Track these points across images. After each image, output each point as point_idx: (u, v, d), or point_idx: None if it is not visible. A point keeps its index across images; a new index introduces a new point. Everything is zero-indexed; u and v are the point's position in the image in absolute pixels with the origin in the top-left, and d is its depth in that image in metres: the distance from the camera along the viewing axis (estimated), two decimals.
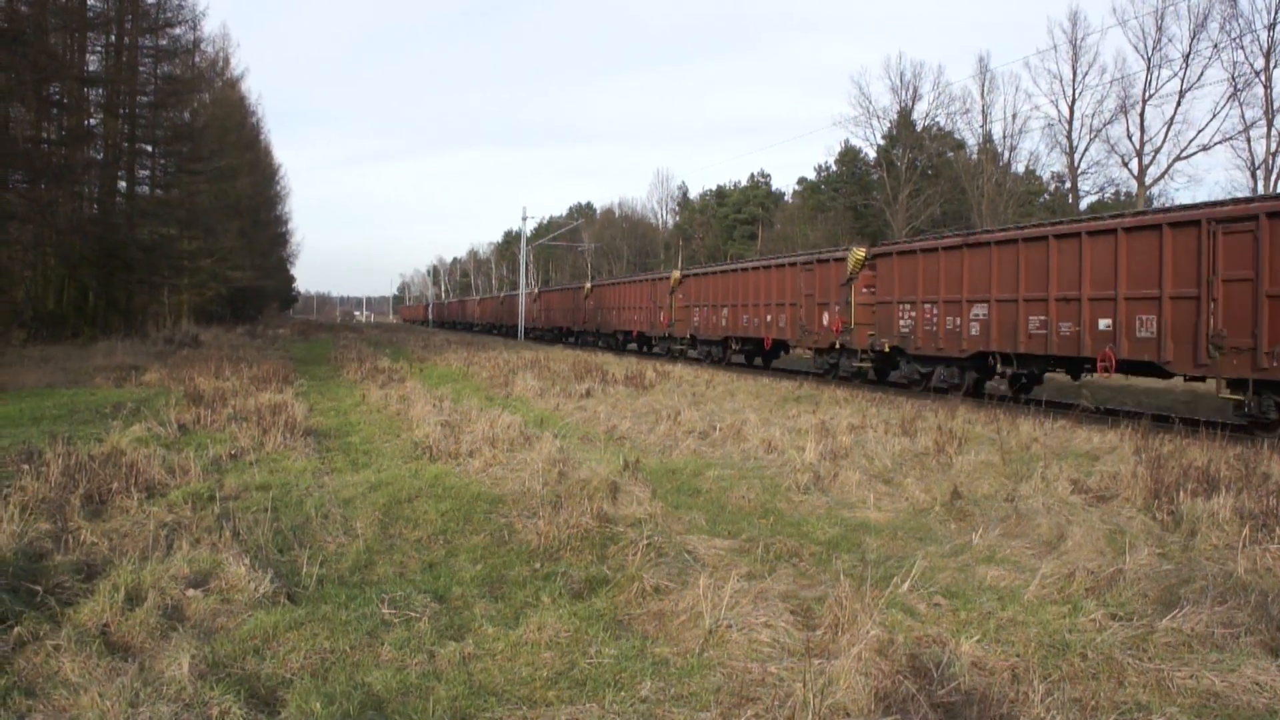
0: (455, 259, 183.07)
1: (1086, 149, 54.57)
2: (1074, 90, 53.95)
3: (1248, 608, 5.66)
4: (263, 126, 72.25)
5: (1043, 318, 17.70)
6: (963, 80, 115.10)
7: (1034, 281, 17.95)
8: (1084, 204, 56.07)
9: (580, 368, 24.99)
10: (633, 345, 44.51)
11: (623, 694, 4.65)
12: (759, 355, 32.34)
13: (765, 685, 4.70)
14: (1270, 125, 44.67)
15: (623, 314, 44.05)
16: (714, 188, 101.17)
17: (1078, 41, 53.80)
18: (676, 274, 37.36)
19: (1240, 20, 48.28)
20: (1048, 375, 19.39)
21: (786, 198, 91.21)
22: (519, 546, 7.29)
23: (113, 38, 38.30)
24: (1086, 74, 57.94)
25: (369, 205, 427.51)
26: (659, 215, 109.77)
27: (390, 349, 40.51)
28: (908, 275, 21.77)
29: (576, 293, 53.91)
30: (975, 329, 19.65)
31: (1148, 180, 50.75)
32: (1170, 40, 55.55)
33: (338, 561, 6.88)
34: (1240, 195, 34.73)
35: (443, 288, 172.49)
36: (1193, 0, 53.38)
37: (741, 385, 22.01)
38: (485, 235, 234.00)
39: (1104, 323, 16.36)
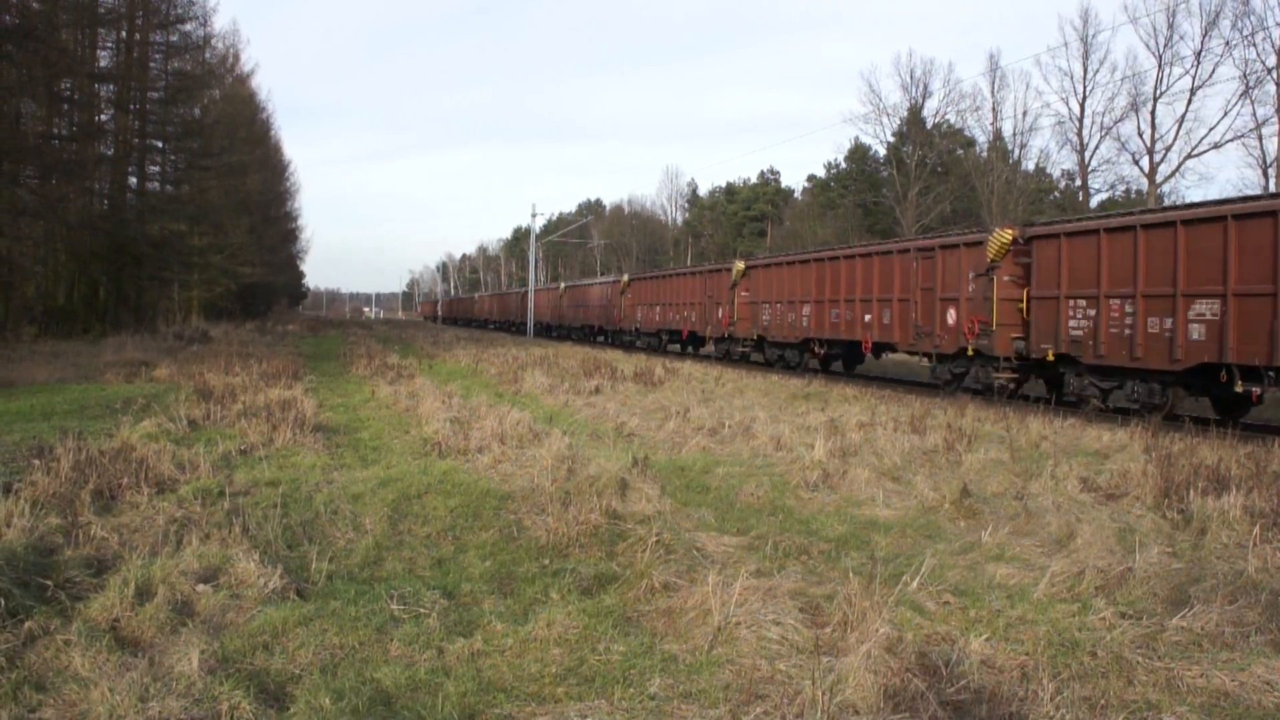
0: (465, 255, 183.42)
1: (1097, 147, 54.37)
2: (1085, 87, 53.75)
3: (1258, 607, 5.64)
4: (272, 122, 72.41)
5: None
6: (973, 77, 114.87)
7: None
8: (1094, 202, 55.87)
9: (589, 365, 25.00)
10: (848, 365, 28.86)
11: (631, 691, 4.65)
12: None
13: (774, 683, 4.70)
14: None
15: (849, 313, 24.65)
16: (723, 185, 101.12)
17: (1089, 39, 53.58)
18: (1009, 233, 18.92)
19: (1252, 18, 47.72)
20: None
21: (796, 195, 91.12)
22: (528, 543, 7.30)
23: (123, 34, 38.41)
24: (1097, 71, 57.84)
25: (379, 201, 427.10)
26: (668, 212, 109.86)
27: (399, 345, 40.58)
28: None
29: (711, 278, 34.31)
30: None
31: (1159, 178, 50.52)
32: (1182, 38, 55.10)
33: (347, 557, 6.90)
34: (1251, 194, 34.60)
35: (452, 284, 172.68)
36: None
37: (751, 383, 21.99)
38: (495, 231, 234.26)
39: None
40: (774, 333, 28.82)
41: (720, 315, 32.64)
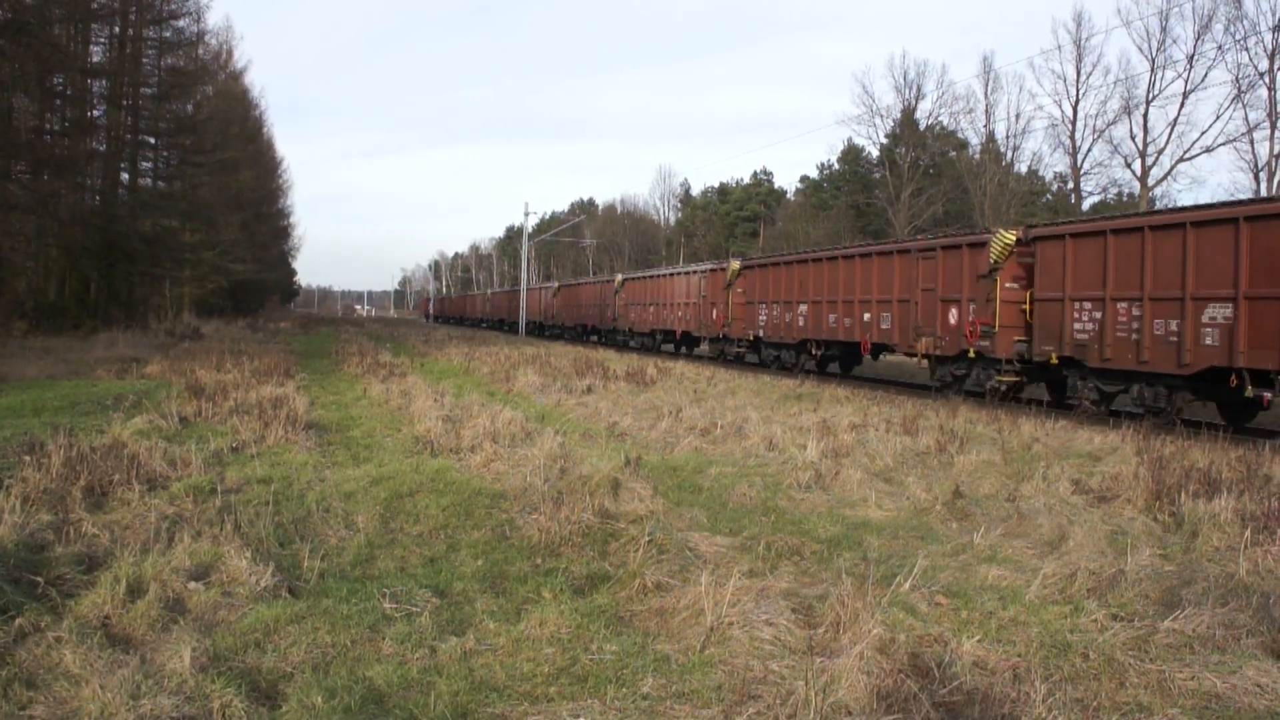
0: (457, 254, 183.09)
1: (1089, 149, 54.58)
2: (1078, 90, 53.95)
3: (1249, 609, 5.66)
4: (265, 120, 72.24)
5: None
6: (966, 79, 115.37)
7: None
8: (1086, 204, 56.08)
9: (581, 364, 24.99)
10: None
11: (624, 690, 4.65)
12: None
13: (767, 683, 4.69)
14: (1274, 127, 44.64)
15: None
16: (716, 185, 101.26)
17: (1082, 42, 53.79)
18: None
19: (1245, 22, 48.22)
20: None
21: (789, 196, 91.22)
22: (520, 542, 7.29)
23: (116, 29, 38.26)
24: (1090, 74, 58.02)
25: (371, 199, 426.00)
26: (661, 212, 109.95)
27: (391, 344, 40.51)
28: None
29: (930, 263, 21.76)
30: None
31: (1150, 181, 50.73)
32: (1174, 41, 55.46)
33: (339, 555, 6.88)
34: (1244, 198, 34.70)
35: (444, 282, 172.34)
36: (1198, 1, 53.23)
37: (743, 383, 22.00)
38: (487, 230, 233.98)
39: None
40: (1116, 355, 16.44)
41: (954, 321, 20.45)
